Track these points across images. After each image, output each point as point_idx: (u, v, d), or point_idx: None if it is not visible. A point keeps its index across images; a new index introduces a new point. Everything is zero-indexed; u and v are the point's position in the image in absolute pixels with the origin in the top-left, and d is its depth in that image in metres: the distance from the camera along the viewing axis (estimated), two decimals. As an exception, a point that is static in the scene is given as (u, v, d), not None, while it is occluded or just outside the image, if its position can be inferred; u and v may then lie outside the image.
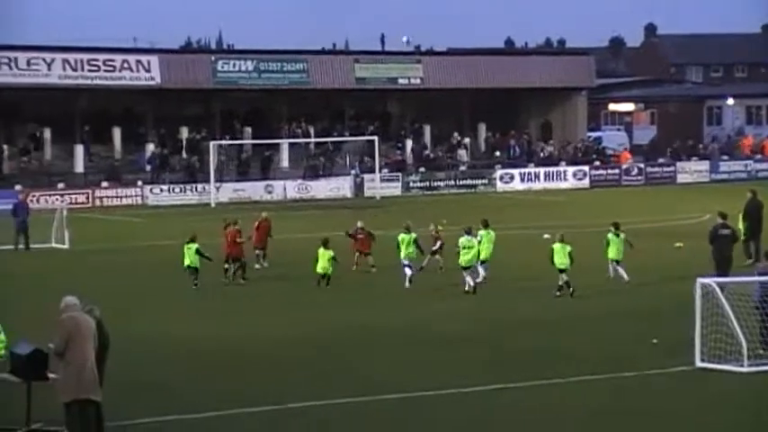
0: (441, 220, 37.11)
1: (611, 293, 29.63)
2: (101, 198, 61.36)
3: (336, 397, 19.07)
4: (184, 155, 67.07)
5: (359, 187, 65.85)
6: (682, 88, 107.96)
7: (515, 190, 68.38)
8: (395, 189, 66.56)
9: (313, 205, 60.59)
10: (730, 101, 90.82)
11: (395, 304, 28.86)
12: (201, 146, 65.96)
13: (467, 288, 29.66)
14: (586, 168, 71.60)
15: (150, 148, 66.31)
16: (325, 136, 70.08)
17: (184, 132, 68.19)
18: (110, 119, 66.92)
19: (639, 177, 72.33)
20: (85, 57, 64.70)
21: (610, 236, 31.28)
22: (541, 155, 72.66)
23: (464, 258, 29.92)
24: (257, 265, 34.62)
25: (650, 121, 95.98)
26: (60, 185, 61.07)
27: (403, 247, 31.59)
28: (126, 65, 65.16)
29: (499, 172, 69.77)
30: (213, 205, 59.79)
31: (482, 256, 30.89)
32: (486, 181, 69.10)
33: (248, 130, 69.38)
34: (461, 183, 68.53)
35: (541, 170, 70.54)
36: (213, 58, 69.77)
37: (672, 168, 73.65)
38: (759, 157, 76.91)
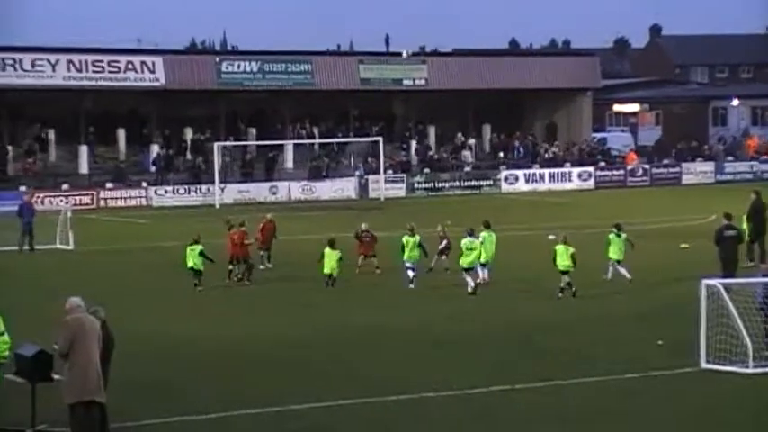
0: (445, 222, 37.09)
1: (615, 294, 29.59)
2: (105, 199, 61.38)
3: (338, 398, 19.06)
4: (189, 156, 67.12)
5: (363, 188, 65.85)
6: (687, 89, 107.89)
7: (520, 191, 68.33)
8: (399, 190, 66.54)
9: (317, 206, 60.60)
10: (735, 102, 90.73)
11: (398, 305, 28.85)
12: (206, 147, 65.99)
13: (469, 289, 29.65)
14: (591, 169, 71.56)
15: (155, 149, 66.37)
16: (330, 137, 70.09)
17: (189, 133, 68.23)
18: (114, 120, 66.94)
19: (644, 178, 72.29)
20: (90, 58, 64.74)
21: (611, 236, 31.28)
22: (545, 156, 72.63)
23: (466, 260, 29.92)
24: (261, 266, 34.65)
25: (655, 121, 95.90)
26: (65, 187, 61.12)
27: (407, 250, 31.54)
28: (130, 66, 65.20)
29: (504, 173, 69.74)
30: (218, 206, 59.80)
31: (483, 258, 30.87)
32: (490, 182, 69.07)
33: (253, 131, 69.40)
34: (466, 184, 68.50)
35: (546, 171, 70.50)
36: (218, 59, 69.77)
37: (677, 169, 73.59)
38: (764, 157, 76.80)
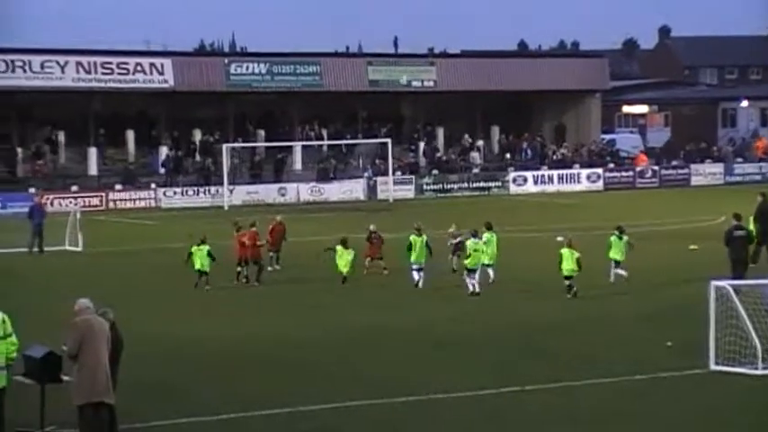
0: (451, 224, 37.06)
1: (622, 296, 29.56)
2: (114, 201, 61.47)
3: (347, 399, 19.05)
4: (198, 157, 67.21)
5: (372, 190, 65.85)
6: (696, 90, 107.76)
7: (528, 192, 68.31)
8: (408, 192, 66.55)
9: (326, 208, 60.62)
10: (744, 103, 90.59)
11: (405, 307, 28.85)
12: (215, 148, 66.07)
13: (476, 290, 29.67)
14: (600, 171, 71.52)
15: (164, 150, 66.47)
16: (338, 138, 70.14)
17: (197, 135, 68.32)
18: (123, 122, 67.06)
19: (653, 180, 72.22)
20: (99, 60, 64.88)
21: (612, 238, 31.27)
22: (554, 157, 72.60)
23: (472, 261, 29.93)
24: (270, 268, 34.69)
25: (664, 123, 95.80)
26: (74, 188, 61.23)
27: (414, 251, 31.52)
28: (139, 68, 65.31)
29: (512, 174, 69.72)
30: (226, 208, 59.85)
31: (486, 260, 30.89)
32: (499, 183, 69.06)
33: (261, 132, 69.48)
34: (474, 185, 68.49)
35: (555, 173, 70.47)
36: (226, 60, 69.84)
37: (686, 171, 73.51)
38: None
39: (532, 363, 21.93)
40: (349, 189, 65.90)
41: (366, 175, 66.70)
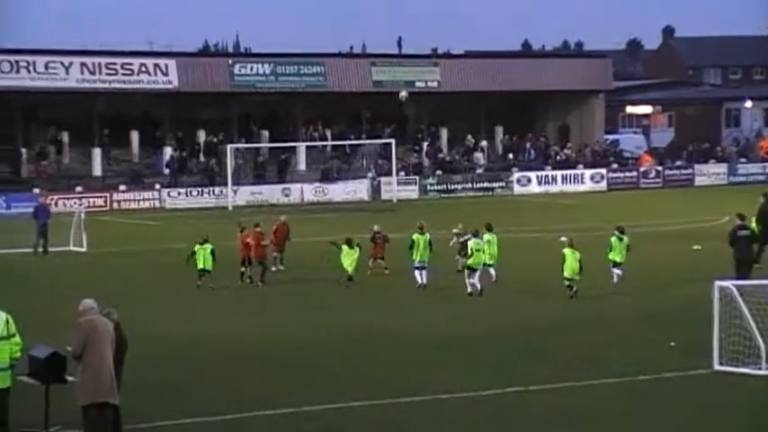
0: (457, 224, 37.08)
1: (626, 296, 29.56)
2: (118, 201, 61.53)
3: (350, 400, 19.07)
4: (202, 158, 67.27)
5: (376, 190, 65.89)
6: (699, 91, 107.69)
7: (532, 193, 68.32)
8: (412, 192, 66.57)
9: (330, 208, 60.64)
10: (748, 103, 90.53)
11: (407, 307, 28.87)
12: (219, 149, 66.12)
13: (477, 289, 29.72)
14: (604, 171, 71.52)
15: (168, 151, 66.54)
16: (342, 139, 70.18)
17: (202, 136, 68.40)
18: (127, 122, 67.15)
19: (657, 180, 72.20)
20: (103, 60, 64.97)
21: (613, 239, 31.26)
22: (557, 158, 72.60)
23: (474, 260, 29.97)
24: (273, 268, 34.71)
25: (668, 123, 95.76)
26: (78, 189, 61.29)
27: (418, 250, 31.53)
28: (144, 68, 65.38)
29: (516, 175, 69.72)
30: (230, 208, 59.90)
31: (487, 260, 30.95)
32: (503, 184, 69.07)
33: (265, 133, 69.53)
34: (478, 186, 68.51)
35: (559, 173, 70.48)
36: (230, 61, 69.92)
37: (690, 171, 73.49)
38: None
39: (535, 363, 21.94)
40: (353, 189, 65.92)
41: (370, 175, 66.73)
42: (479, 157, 72.18)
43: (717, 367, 20.67)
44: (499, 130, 75.49)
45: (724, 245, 29.95)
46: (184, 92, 66.20)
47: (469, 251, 30.14)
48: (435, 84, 71.79)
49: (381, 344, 24.33)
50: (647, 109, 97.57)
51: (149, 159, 67.69)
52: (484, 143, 73.53)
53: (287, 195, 64.34)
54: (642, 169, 73.01)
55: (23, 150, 64.58)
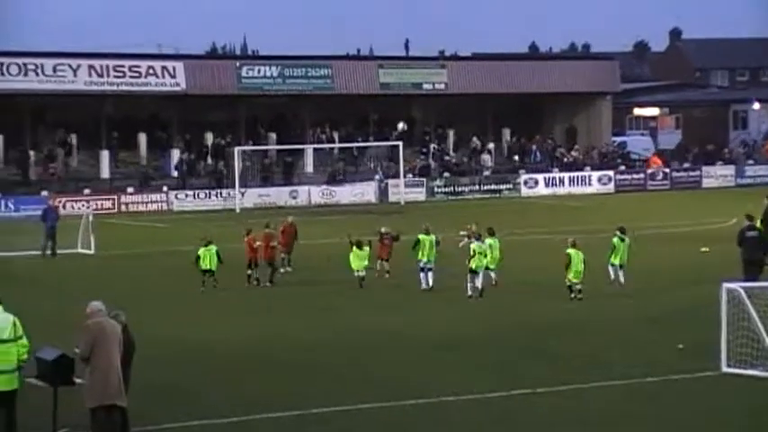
0: (466, 226, 37.07)
1: (633, 298, 29.52)
2: (126, 204, 61.62)
3: (357, 402, 19.08)
4: (209, 161, 67.34)
5: (383, 192, 65.90)
6: (707, 92, 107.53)
7: (540, 195, 68.29)
8: (419, 194, 66.58)
9: (337, 210, 60.66)
10: (756, 105, 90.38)
11: (414, 309, 28.88)
12: (226, 152, 66.19)
13: (479, 292, 29.73)
14: (611, 173, 71.48)
15: (176, 153, 66.62)
16: (350, 141, 70.19)
17: (209, 138, 68.46)
18: (135, 125, 67.24)
19: (665, 182, 72.14)
20: (111, 63, 65.06)
21: (615, 240, 31.24)
22: (564, 160, 72.57)
23: (476, 263, 29.95)
24: (281, 270, 34.74)
25: (675, 125, 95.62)
26: (86, 191, 61.40)
27: (424, 250, 31.51)
28: (151, 71, 65.47)
29: (524, 177, 69.70)
30: (238, 211, 59.95)
31: (489, 264, 30.96)
32: (510, 186, 69.05)
33: (273, 135, 69.57)
34: (486, 188, 68.49)
35: (566, 175, 70.45)
36: (238, 63, 70.01)
37: (697, 173, 73.43)
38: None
39: (542, 365, 21.92)
40: (360, 192, 65.95)
41: (377, 177, 66.75)
42: (487, 159, 72.16)
43: (725, 369, 20.64)
44: (506, 133, 75.47)
45: (732, 247, 29.89)
46: (192, 94, 66.28)
47: (471, 253, 30.14)
48: (442, 86, 71.78)
49: (388, 345, 24.33)
50: (654, 111, 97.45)
51: (157, 162, 67.77)
52: (491, 145, 73.50)
53: (294, 198, 64.38)
54: (650, 171, 72.94)
55: (31, 153, 64.67)
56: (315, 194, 64.99)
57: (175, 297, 31.83)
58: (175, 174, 65.64)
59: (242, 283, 32.44)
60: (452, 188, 67.89)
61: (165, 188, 63.39)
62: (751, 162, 76.06)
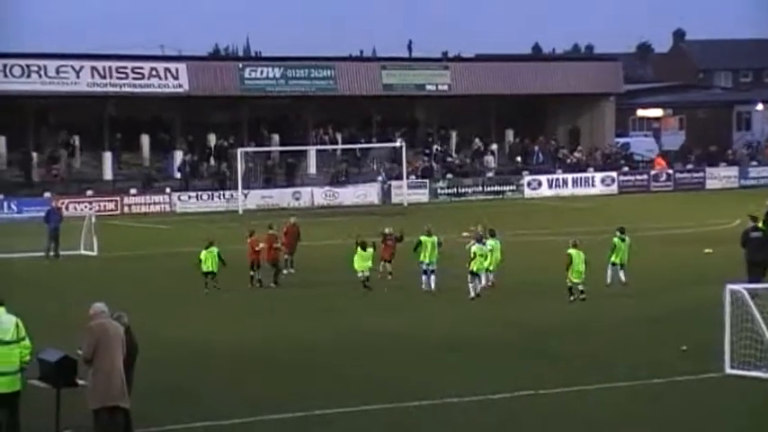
0: (469, 227, 37.08)
1: (636, 299, 29.50)
2: (129, 205, 61.63)
3: (360, 404, 19.07)
4: (212, 162, 67.35)
5: (386, 194, 65.89)
6: (710, 94, 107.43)
7: (543, 196, 68.27)
8: (422, 195, 66.57)
9: (340, 212, 60.66)
10: (759, 106, 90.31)
11: (417, 309, 28.88)
12: (229, 153, 66.20)
13: (471, 296, 29.71)
14: (615, 174, 71.45)
15: (178, 155, 66.64)
16: (353, 142, 70.19)
17: (212, 139, 68.47)
18: (138, 126, 67.26)
19: (668, 183, 72.10)
20: (114, 64, 65.08)
21: (615, 240, 31.22)
22: (567, 162, 72.55)
23: (476, 265, 29.95)
24: (284, 271, 34.73)
25: (679, 126, 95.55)
26: (89, 193, 61.40)
27: (426, 251, 31.48)
28: (154, 72, 65.49)
29: (527, 178, 69.67)
30: (241, 212, 59.95)
31: (491, 266, 30.94)
32: (513, 187, 69.03)
33: (276, 137, 69.58)
34: (489, 189, 68.47)
35: (569, 176, 70.43)
36: (241, 65, 70.01)
37: (701, 174, 73.40)
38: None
39: (545, 366, 21.89)
40: (363, 193, 65.94)
41: (380, 179, 66.74)
42: (490, 160, 72.14)
43: (728, 371, 20.62)
44: (509, 134, 75.45)
45: (735, 248, 29.88)
46: (195, 96, 66.29)
47: (472, 255, 30.13)
48: (446, 87, 71.78)
49: (390, 346, 24.32)
50: (657, 112, 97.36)
51: (160, 163, 67.78)
52: (494, 146, 73.48)
53: (297, 199, 64.37)
54: (653, 172, 72.89)
55: (35, 154, 64.69)
56: (318, 196, 64.98)
57: (178, 298, 31.82)
58: (178, 175, 65.64)
59: (245, 285, 32.45)
60: (455, 189, 67.87)
61: (167, 190, 63.38)
62: (754, 163, 76.00)
